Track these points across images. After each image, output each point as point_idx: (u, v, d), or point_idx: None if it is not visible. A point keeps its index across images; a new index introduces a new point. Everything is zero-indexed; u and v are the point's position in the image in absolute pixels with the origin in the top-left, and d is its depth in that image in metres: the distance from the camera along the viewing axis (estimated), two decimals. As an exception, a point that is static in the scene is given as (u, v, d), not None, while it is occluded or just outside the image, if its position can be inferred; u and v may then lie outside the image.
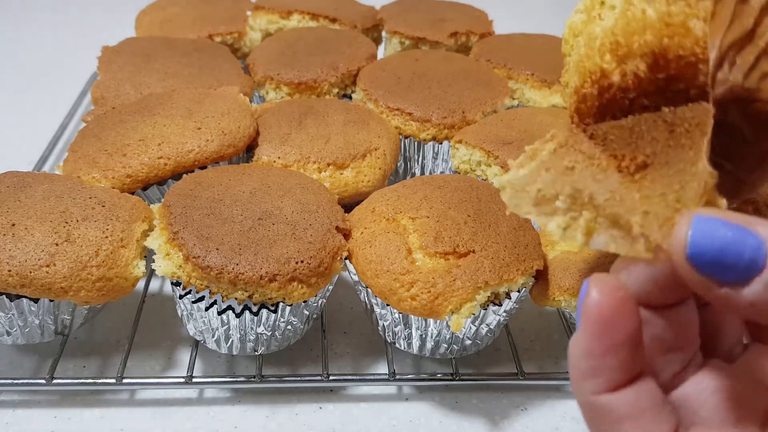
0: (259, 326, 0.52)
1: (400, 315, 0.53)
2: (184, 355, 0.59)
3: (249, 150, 0.68)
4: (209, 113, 0.67)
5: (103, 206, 0.54)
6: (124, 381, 0.54)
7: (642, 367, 0.28)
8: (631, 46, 0.34)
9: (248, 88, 0.78)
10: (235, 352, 0.55)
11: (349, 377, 0.56)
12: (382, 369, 0.58)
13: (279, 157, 0.66)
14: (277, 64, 0.81)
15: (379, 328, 0.56)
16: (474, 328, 0.53)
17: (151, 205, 0.57)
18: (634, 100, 0.34)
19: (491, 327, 0.54)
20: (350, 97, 0.82)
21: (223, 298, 0.50)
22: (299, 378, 0.55)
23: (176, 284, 0.52)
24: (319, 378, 0.55)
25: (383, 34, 0.98)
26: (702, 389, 0.29)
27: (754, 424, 0.27)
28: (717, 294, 0.25)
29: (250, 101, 0.78)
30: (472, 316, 0.50)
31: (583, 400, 0.28)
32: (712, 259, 0.24)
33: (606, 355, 0.26)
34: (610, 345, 0.26)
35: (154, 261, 0.52)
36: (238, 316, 0.51)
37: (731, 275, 0.24)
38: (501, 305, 0.52)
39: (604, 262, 0.52)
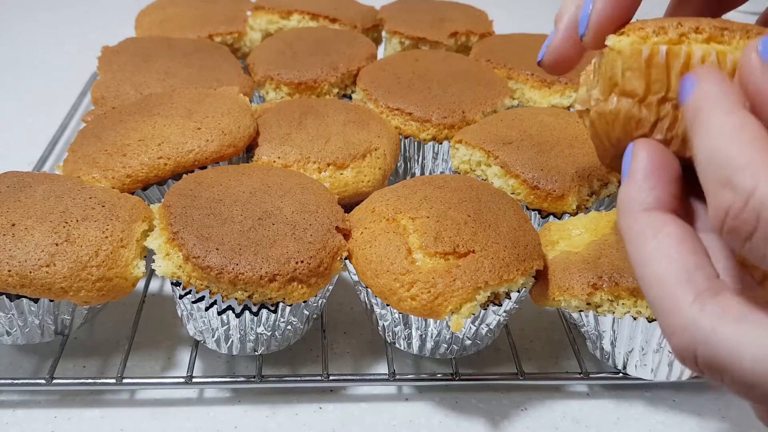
0: (259, 326, 0.52)
1: (400, 315, 0.53)
2: (184, 355, 0.59)
3: (249, 150, 0.68)
4: (209, 113, 0.67)
5: (103, 206, 0.54)
6: (124, 381, 0.54)
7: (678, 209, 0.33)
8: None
9: (248, 88, 0.78)
10: (235, 352, 0.55)
11: (349, 377, 0.56)
12: (382, 369, 0.58)
13: (279, 157, 0.66)
14: (277, 64, 0.81)
15: (379, 328, 0.56)
16: (474, 328, 0.53)
17: (151, 205, 0.57)
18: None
19: (491, 327, 0.54)
20: (350, 97, 0.82)
21: (223, 298, 0.50)
22: (299, 378, 0.55)
23: (176, 284, 0.52)
24: (319, 378, 0.55)
25: (383, 34, 0.98)
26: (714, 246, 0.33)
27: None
28: None
29: (250, 101, 0.78)
30: (472, 316, 0.50)
31: (626, 219, 0.32)
32: None
33: (657, 173, 0.32)
34: (660, 163, 0.32)
35: (154, 261, 0.52)
36: (238, 316, 0.51)
37: None
38: (501, 305, 0.52)
39: (604, 263, 0.52)
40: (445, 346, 0.55)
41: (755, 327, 0.27)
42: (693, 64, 0.34)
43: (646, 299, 0.32)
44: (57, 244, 0.50)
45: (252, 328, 0.53)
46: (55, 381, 0.53)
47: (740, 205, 0.27)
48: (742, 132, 0.28)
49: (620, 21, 0.38)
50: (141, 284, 0.60)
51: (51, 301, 0.52)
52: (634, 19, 0.40)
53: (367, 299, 0.55)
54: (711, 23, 0.35)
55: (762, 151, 0.27)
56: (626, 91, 0.36)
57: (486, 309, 0.51)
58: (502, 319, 0.55)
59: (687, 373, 0.55)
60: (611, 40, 0.37)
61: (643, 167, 0.33)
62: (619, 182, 0.59)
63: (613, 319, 0.52)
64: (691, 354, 0.29)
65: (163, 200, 0.55)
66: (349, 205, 0.62)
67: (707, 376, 0.29)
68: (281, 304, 0.51)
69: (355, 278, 0.55)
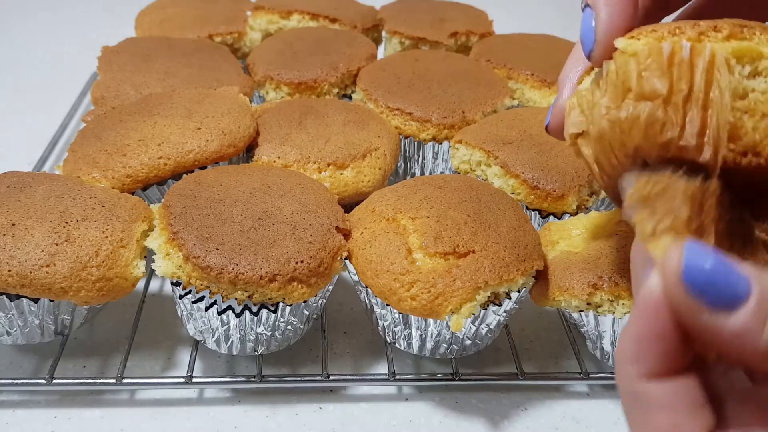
0: (259, 326, 0.52)
1: (400, 315, 0.53)
2: (184, 355, 0.59)
3: (249, 150, 0.68)
4: (209, 113, 0.67)
5: (103, 206, 0.54)
6: (124, 381, 0.54)
7: (687, 363, 0.28)
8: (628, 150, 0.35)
9: (248, 88, 0.78)
10: (235, 352, 0.55)
11: (349, 377, 0.56)
12: (382, 369, 0.58)
13: (279, 157, 0.66)
14: (277, 64, 0.81)
15: (379, 328, 0.56)
16: (474, 328, 0.53)
17: (151, 205, 0.57)
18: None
19: (491, 327, 0.54)
20: (350, 97, 0.82)
21: (223, 298, 0.50)
22: (299, 378, 0.55)
23: (176, 284, 0.52)
24: (319, 378, 0.55)
25: (383, 34, 0.98)
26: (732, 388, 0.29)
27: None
28: (704, 321, 0.25)
29: (250, 101, 0.78)
30: (472, 316, 0.50)
31: (624, 384, 0.28)
32: (705, 281, 0.25)
33: (654, 340, 0.27)
34: (659, 331, 0.27)
35: (154, 261, 0.52)
36: (238, 316, 0.51)
37: (721, 301, 0.25)
38: (501, 305, 0.52)
39: (604, 263, 0.52)
40: (445, 346, 0.55)
41: None
42: (718, 64, 0.32)
43: None
44: (57, 244, 0.50)
45: (252, 328, 0.53)
46: (55, 381, 0.53)
47: None
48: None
49: (627, 31, 0.37)
50: (141, 284, 0.60)
51: (51, 301, 0.52)
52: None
53: (367, 299, 0.55)
54: (728, 21, 0.34)
55: None
56: (645, 94, 0.33)
57: (486, 309, 0.51)
58: (502, 319, 0.55)
59: (687, 373, 0.54)
60: (622, 43, 0.35)
61: (646, 321, 0.28)
62: None
63: (613, 319, 0.52)
64: None
65: (163, 200, 0.55)
66: (349, 205, 0.62)
67: None
68: (281, 304, 0.51)
69: (355, 278, 0.55)
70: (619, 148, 0.35)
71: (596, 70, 0.39)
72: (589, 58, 0.38)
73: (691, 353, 0.28)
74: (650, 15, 0.42)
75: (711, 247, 0.26)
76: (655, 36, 0.34)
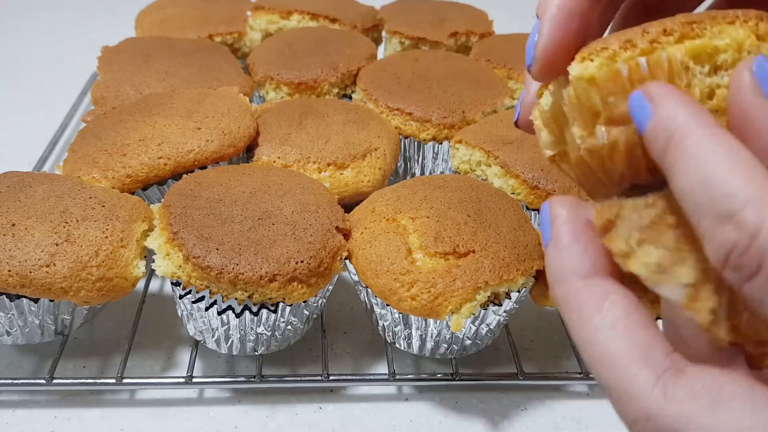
0: (259, 326, 0.52)
1: (400, 315, 0.53)
2: (184, 355, 0.59)
3: (249, 150, 0.68)
4: (209, 113, 0.67)
5: (103, 206, 0.54)
6: (124, 381, 0.54)
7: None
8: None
9: (248, 88, 0.78)
10: (235, 352, 0.55)
11: (349, 377, 0.56)
12: (382, 369, 0.58)
13: (279, 157, 0.66)
14: (277, 64, 0.81)
15: (379, 328, 0.56)
16: (474, 328, 0.53)
17: (151, 205, 0.57)
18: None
19: (491, 327, 0.54)
20: (350, 97, 0.82)
21: (223, 298, 0.50)
22: (299, 378, 0.55)
23: (176, 284, 0.52)
24: (319, 378, 0.55)
25: (383, 34, 0.98)
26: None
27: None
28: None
29: (250, 101, 0.78)
30: (472, 316, 0.50)
31: (564, 287, 0.29)
32: None
33: (587, 231, 0.29)
34: (590, 228, 0.29)
35: (154, 261, 0.52)
36: (238, 316, 0.51)
37: None
38: (501, 305, 0.52)
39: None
40: (445, 346, 0.55)
41: (728, 413, 0.25)
42: (676, 71, 0.31)
43: (597, 381, 0.28)
44: (57, 244, 0.50)
45: (252, 328, 0.53)
46: (55, 381, 0.53)
47: (746, 243, 0.25)
48: (738, 159, 0.25)
49: (570, 49, 0.35)
50: (141, 284, 0.60)
51: (51, 301, 0.52)
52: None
53: (367, 299, 0.55)
54: (675, 21, 0.32)
55: (762, 182, 0.25)
56: (615, 119, 0.32)
57: (486, 309, 0.51)
58: (502, 319, 0.55)
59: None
60: (575, 69, 0.33)
61: (568, 229, 0.30)
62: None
63: (613, 319, 0.52)
64: None
65: (163, 200, 0.55)
66: (349, 205, 0.62)
67: None
68: (281, 304, 0.51)
69: (355, 278, 0.55)
70: (604, 174, 0.34)
71: (550, 87, 0.37)
72: (530, 74, 0.36)
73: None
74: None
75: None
76: (607, 55, 0.32)
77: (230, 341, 0.54)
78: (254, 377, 0.55)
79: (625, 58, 0.32)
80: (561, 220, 0.30)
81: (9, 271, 0.49)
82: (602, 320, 0.28)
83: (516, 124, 0.42)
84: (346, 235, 0.55)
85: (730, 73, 0.31)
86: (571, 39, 0.35)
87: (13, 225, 0.51)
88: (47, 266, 0.49)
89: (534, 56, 0.35)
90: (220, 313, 0.51)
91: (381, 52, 1.00)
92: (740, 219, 0.25)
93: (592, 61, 0.32)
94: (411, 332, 0.54)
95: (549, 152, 0.37)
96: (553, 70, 0.35)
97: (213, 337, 0.54)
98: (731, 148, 0.26)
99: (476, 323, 0.53)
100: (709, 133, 0.27)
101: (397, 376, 0.55)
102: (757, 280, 0.25)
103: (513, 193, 0.64)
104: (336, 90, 0.81)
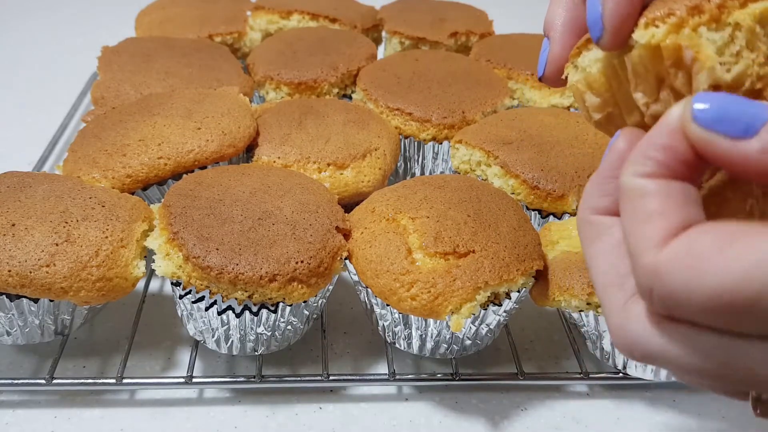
0: (259, 326, 0.52)
1: (400, 315, 0.53)
2: (184, 355, 0.59)
3: (249, 150, 0.68)
4: (209, 113, 0.67)
5: (103, 206, 0.54)
6: (124, 381, 0.54)
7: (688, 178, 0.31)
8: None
9: (248, 88, 0.78)
10: (235, 352, 0.55)
11: (349, 377, 0.56)
12: (382, 369, 0.58)
13: (279, 157, 0.66)
14: (277, 64, 0.81)
15: (379, 328, 0.56)
16: (474, 328, 0.53)
17: (151, 205, 0.57)
18: None
19: (491, 327, 0.54)
20: (350, 97, 0.82)
21: (223, 298, 0.50)
22: (299, 378, 0.55)
23: (176, 284, 0.52)
24: (319, 378, 0.55)
25: (383, 34, 0.98)
26: None
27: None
28: (723, 148, 0.28)
29: (250, 101, 0.78)
30: (472, 316, 0.50)
31: (623, 180, 0.31)
32: (716, 115, 0.28)
33: (660, 150, 0.30)
34: (669, 143, 0.30)
35: (154, 261, 0.52)
36: (238, 316, 0.51)
37: (738, 127, 0.27)
38: (501, 305, 0.52)
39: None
40: (445, 346, 0.55)
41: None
42: (747, 37, 0.31)
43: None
44: (57, 244, 0.50)
45: (252, 328, 0.53)
46: (55, 381, 0.53)
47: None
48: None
49: (637, 14, 0.34)
50: (141, 284, 0.60)
51: (51, 301, 0.52)
52: None
53: (367, 299, 0.55)
54: None
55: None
56: (678, 89, 0.32)
57: (486, 309, 0.51)
58: (502, 319, 0.55)
59: (687, 373, 0.54)
60: (643, 37, 0.32)
61: (606, 167, 0.33)
62: None
63: (613, 319, 0.52)
64: (620, 348, 0.31)
65: (163, 200, 0.55)
66: (349, 205, 0.62)
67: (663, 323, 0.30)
68: (281, 304, 0.51)
69: (355, 278, 0.55)
70: None
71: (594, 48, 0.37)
72: (598, 45, 0.36)
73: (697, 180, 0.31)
74: None
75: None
76: (673, 22, 0.32)
77: (230, 341, 0.54)
78: (254, 377, 0.55)
79: (693, 24, 0.31)
80: (609, 155, 0.33)
81: (9, 271, 0.49)
82: (596, 248, 0.32)
83: (541, 78, 0.42)
84: (346, 235, 0.55)
85: None
86: (638, 4, 0.34)
87: (13, 225, 0.51)
88: (47, 266, 0.49)
89: (603, 27, 0.35)
90: (220, 313, 0.51)
91: (381, 52, 1.00)
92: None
93: (657, 27, 0.32)
94: (411, 332, 0.54)
95: (597, 115, 0.37)
96: (625, 39, 0.35)
97: (213, 337, 0.54)
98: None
99: (476, 323, 0.53)
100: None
101: (397, 376, 0.55)
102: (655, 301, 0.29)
103: (513, 193, 0.64)
104: (336, 90, 0.81)
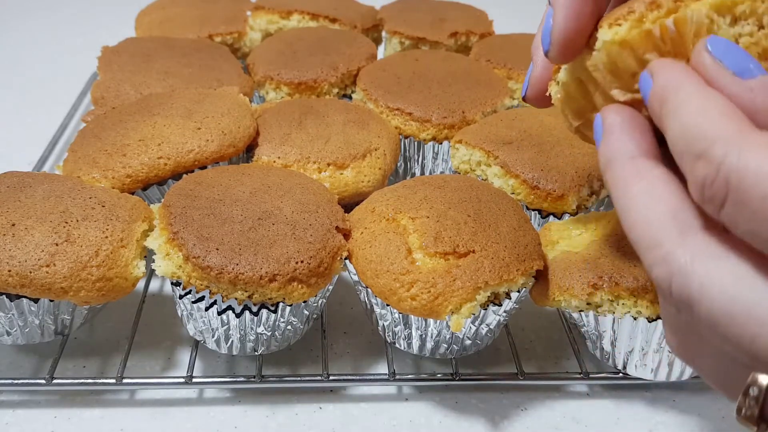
0: (259, 326, 0.52)
1: (400, 315, 0.53)
2: (184, 355, 0.59)
3: (249, 150, 0.68)
4: (209, 113, 0.67)
5: (103, 206, 0.54)
6: (124, 381, 0.54)
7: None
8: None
9: (248, 88, 0.78)
10: (235, 352, 0.55)
11: (349, 377, 0.56)
12: (382, 369, 0.58)
13: (279, 157, 0.66)
14: (277, 64, 0.81)
15: (379, 328, 0.56)
16: (474, 328, 0.53)
17: (151, 205, 0.57)
18: None
19: (491, 327, 0.54)
20: (350, 97, 0.82)
21: (223, 298, 0.50)
22: (299, 378, 0.55)
23: (176, 284, 0.52)
24: (319, 378, 0.55)
25: (383, 34, 0.98)
26: None
27: None
28: (726, 79, 0.30)
29: (250, 101, 0.78)
30: (472, 316, 0.50)
31: (615, 165, 0.33)
32: (726, 45, 0.32)
33: (636, 125, 0.34)
34: (639, 124, 0.35)
35: (154, 261, 0.52)
36: (238, 316, 0.51)
37: (741, 65, 0.30)
38: (501, 305, 0.52)
39: (604, 263, 0.52)
40: (445, 346, 0.55)
41: (730, 268, 0.28)
42: (703, 26, 0.34)
43: (629, 240, 0.32)
44: (57, 244, 0.50)
45: (252, 328, 0.53)
46: (55, 381, 0.53)
47: (713, 175, 0.28)
48: (710, 107, 0.30)
49: (585, 30, 0.38)
50: (141, 284, 0.60)
51: (51, 301, 0.52)
52: None
53: (367, 299, 0.55)
54: None
55: (730, 123, 0.29)
56: None
57: (486, 309, 0.51)
58: (502, 319, 0.55)
59: (687, 373, 0.54)
60: (607, 35, 0.35)
61: (620, 122, 0.34)
62: None
63: (614, 319, 0.52)
64: (667, 285, 0.30)
65: (163, 200, 0.55)
66: (349, 205, 0.62)
67: (681, 309, 0.30)
68: (281, 304, 0.51)
69: (355, 278, 0.55)
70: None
71: (566, 65, 0.40)
72: (548, 57, 0.39)
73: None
74: None
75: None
76: (635, 17, 0.35)
77: (230, 341, 0.54)
78: (254, 377, 0.55)
79: (652, 18, 0.34)
80: (612, 116, 0.35)
81: (9, 271, 0.49)
82: (643, 187, 0.32)
83: (524, 98, 0.44)
84: (346, 235, 0.55)
85: (749, 22, 0.34)
86: (586, 21, 0.37)
87: (13, 225, 0.51)
88: (47, 266, 0.49)
89: (551, 41, 0.38)
90: (220, 313, 0.51)
91: (381, 52, 1.00)
92: (708, 155, 0.28)
93: (620, 25, 0.35)
94: (411, 332, 0.54)
95: (576, 123, 0.40)
96: (572, 52, 0.38)
97: (213, 337, 0.54)
98: (707, 98, 0.30)
99: (476, 323, 0.53)
100: (692, 90, 0.31)
101: (397, 376, 0.55)
102: (726, 207, 0.28)
103: (513, 193, 0.64)
104: (336, 90, 0.81)
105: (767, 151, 0.27)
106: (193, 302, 0.51)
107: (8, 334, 0.53)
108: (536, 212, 0.64)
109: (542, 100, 0.44)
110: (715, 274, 0.28)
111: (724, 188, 0.28)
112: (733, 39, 0.34)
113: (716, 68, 0.31)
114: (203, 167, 0.64)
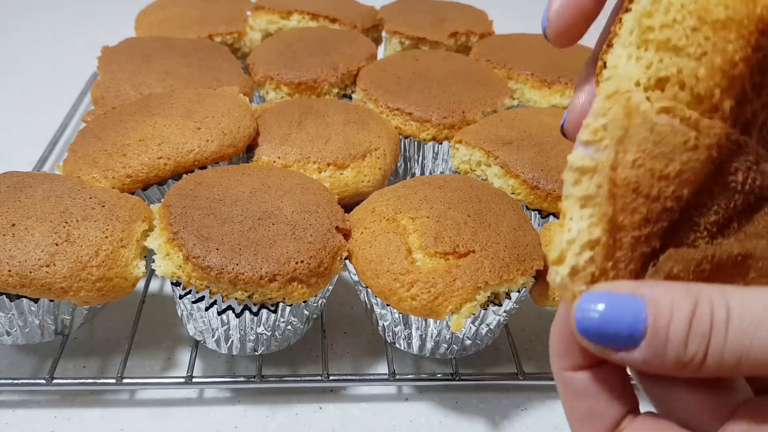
0: (259, 326, 0.52)
1: (400, 315, 0.53)
2: (184, 355, 0.59)
3: (249, 150, 0.68)
4: (209, 113, 0.67)
5: (103, 206, 0.54)
6: (124, 381, 0.54)
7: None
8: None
9: (248, 88, 0.78)
10: (235, 352, 0.55)
11: (349, 377, 0.56)
12: (382, 369, 0.58)
13: (279, 157, 0.66)
14: (277, 64, 0.81)
15: (379, 328, 0.56)
16: (474, 328, 0.53)
17: (151, 205, 0.57)
18: None
19: (491, 327, 0.54)
20: (350, 97, 0.82)
21: (223, 298, 0.50)
22: (299, 378, 0.55)
23: (176, 284, 0.52)
24: (319, 378, 0.55)
25: (383, 34, 0.98)
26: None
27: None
28: (614, 358, 0.27)
29: (250, 101, 0.78)
30: (472, 316, 0.50)
31: (556, 373, 0.31)
32: (597, 331, 0.27)
33: (573, 340, 0.29)
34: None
35: (154, 261, 0.52)
36: (238, 316, 0.51)
37: (619, 343, 0.26)
38: (501, 305, 0.52)
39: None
40: (445, 346, 0.55)
41: None
42: None
43: None
44: (57, 244, 0.50)
45: (252, 328, 0.53)
46: (55, 381, 0.53)
47: None
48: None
49: (586, 13, 0.35)
50: (141, 284, 0.60)
51: (51, 301, 0.52)
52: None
53: (367, 299, 0.55)
54: None
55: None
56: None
57: (486, 309, 0.51)
58: (502, 319, 0.55)
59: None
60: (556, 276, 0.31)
61: (561, 335, 0.30)
62: None
63: (613, 319, 0.52)
64: None
65: (163, 200, 0.55)
66: (349, 205, 0.62)
67: None
68: (281, 304, 0.51)
69: (355, 278, 0.55)
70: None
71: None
72: (545, 36, 0.37)
73: None
74: None
75: (605, 292, 0.27)
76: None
77: (230, 341, 0.54)
78: (254, 377, 0.55)
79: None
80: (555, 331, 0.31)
81: (9, 271, 0.49)
82: (570, 404, 0.31)
83: (562, 128, 0.41)
84: (346, 235, 0.55)
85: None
86: (586, 3, 0.35)
87: (13, 225, 0.51)
88: (47, 266, 0.49)
89: (547, 17, 0.36)
90: (220, 313, 0.51)
91: (381, 52, 1.00)
92: None
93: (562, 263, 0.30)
94: (411, 332, 0.54)
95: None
96: (571, 36, 0.36)
97: (213, 337, 0.54)
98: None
99: (476, 323, 0.53)
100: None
101: (397, 376, 0.55)
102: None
103: (513, 193, 0.64)
104: (336, 90, 0.81)
105: None
106: (193, 302, 0.51)
107: (8, 334, 0.53)
108: (536, 212, 0.64)
109: (564, 35, 0.37)
110: None
111: None
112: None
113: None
114: (203, 167, 0.64)
